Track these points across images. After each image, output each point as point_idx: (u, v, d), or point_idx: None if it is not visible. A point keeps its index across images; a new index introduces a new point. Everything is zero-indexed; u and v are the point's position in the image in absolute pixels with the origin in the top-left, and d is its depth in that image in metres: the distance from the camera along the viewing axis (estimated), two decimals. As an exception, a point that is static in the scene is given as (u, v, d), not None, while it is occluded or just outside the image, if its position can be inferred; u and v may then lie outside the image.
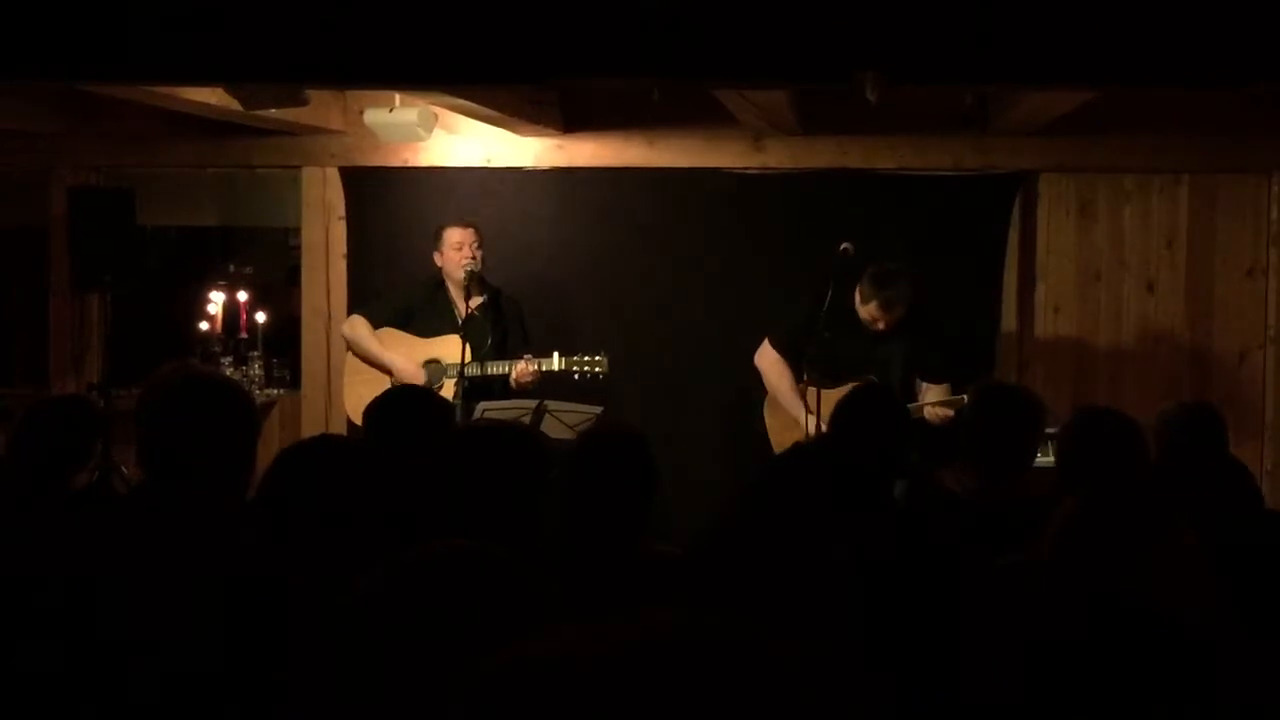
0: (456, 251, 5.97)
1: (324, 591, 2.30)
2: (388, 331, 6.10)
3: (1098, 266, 6.65)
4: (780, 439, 5.79)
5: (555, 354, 5.83)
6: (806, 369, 5.49)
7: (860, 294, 5.61)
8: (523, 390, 5.76)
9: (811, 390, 5.42)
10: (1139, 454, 3.39)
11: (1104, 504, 1.84)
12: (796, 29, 3.92)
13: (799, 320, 5.69)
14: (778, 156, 6.70)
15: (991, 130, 6.45)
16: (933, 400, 5.55)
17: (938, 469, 4.64)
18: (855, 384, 5.55)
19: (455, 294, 6.02)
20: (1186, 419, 4.12)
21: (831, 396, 5.47)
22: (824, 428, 5.19)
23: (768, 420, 5.90)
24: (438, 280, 6.07)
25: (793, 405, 5.71)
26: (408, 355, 6.03)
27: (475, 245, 5.98)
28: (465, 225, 6.03)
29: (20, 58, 4.21)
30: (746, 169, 6.73)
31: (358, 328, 6.16)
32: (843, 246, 5.70)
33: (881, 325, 5.62)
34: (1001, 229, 6.62)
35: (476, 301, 6.01)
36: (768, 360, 5.89)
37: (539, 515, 3.01)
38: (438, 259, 6.05)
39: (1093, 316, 6.66)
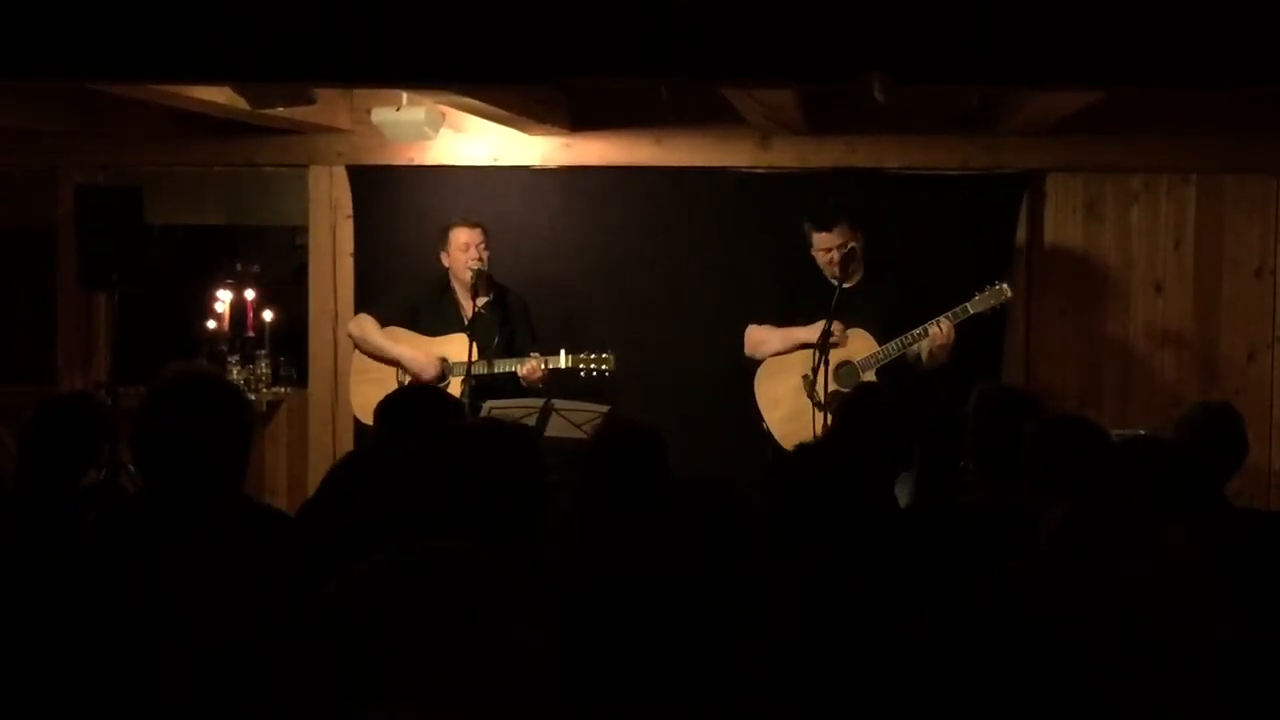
0: (463, 252, 5.97)
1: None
2: (395, 330, 6.11)
3: (1105, 266, 6.64)
4: (772, 414, 5.82)
5: (562, 352, 5.84)
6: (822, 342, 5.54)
7: (811, 244, 5.81)
8: (532, 388, 5.77)
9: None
10: (1106, 460, 3.39)
11: (1092, 512, 1.84)
12: (804, 29, 3.91)
13: (777, 307, 5.90)
14: (785, 156, 6.70)
15: (998, 130, 6.44)
16: (932, 324, 5.57)
17: (954, 473, 4.64)
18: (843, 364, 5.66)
19: (461, 294, 6.02)
20: (1201, 421, 4.09)
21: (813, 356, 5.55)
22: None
23: (758, 396, 5.92)
24: (444, 281, 6.07)
25: (791, 339, 5.80)
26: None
27: (482, 245, 5.98)
28: (472, 225, 6.03)
29: (27, 56, 4.22)
30: (754, 168, 6.73)
31: (364, 325, 6.16)
32: (850, 247, 5.71)
33: (836, 253, 5.72)
34: (1008, 229, 6.61)
35: (483, 300, 6.01)
36: (754, 330, 5.95)
37: (538, 514, 3.01)
38: (444, 259, 6.04)
39: (1100, 317, 6.65)
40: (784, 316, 5.88)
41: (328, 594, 1.42)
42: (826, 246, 5.75)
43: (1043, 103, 5.64)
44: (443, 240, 6.06)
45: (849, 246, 5.73)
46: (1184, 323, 6.61)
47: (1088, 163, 6.57)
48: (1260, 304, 6.57)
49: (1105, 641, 1.69)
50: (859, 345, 5.68)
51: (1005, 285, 5.65)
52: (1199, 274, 6.59)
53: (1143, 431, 5.32)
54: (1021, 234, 6.63)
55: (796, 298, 5.86)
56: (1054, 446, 3.33)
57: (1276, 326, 6.57)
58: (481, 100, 5.60)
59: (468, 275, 5.93)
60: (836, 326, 5.52)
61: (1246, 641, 2.08)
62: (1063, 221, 6.64)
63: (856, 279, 5.78)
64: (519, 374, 5.83)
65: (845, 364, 5.67)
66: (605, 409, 5.49)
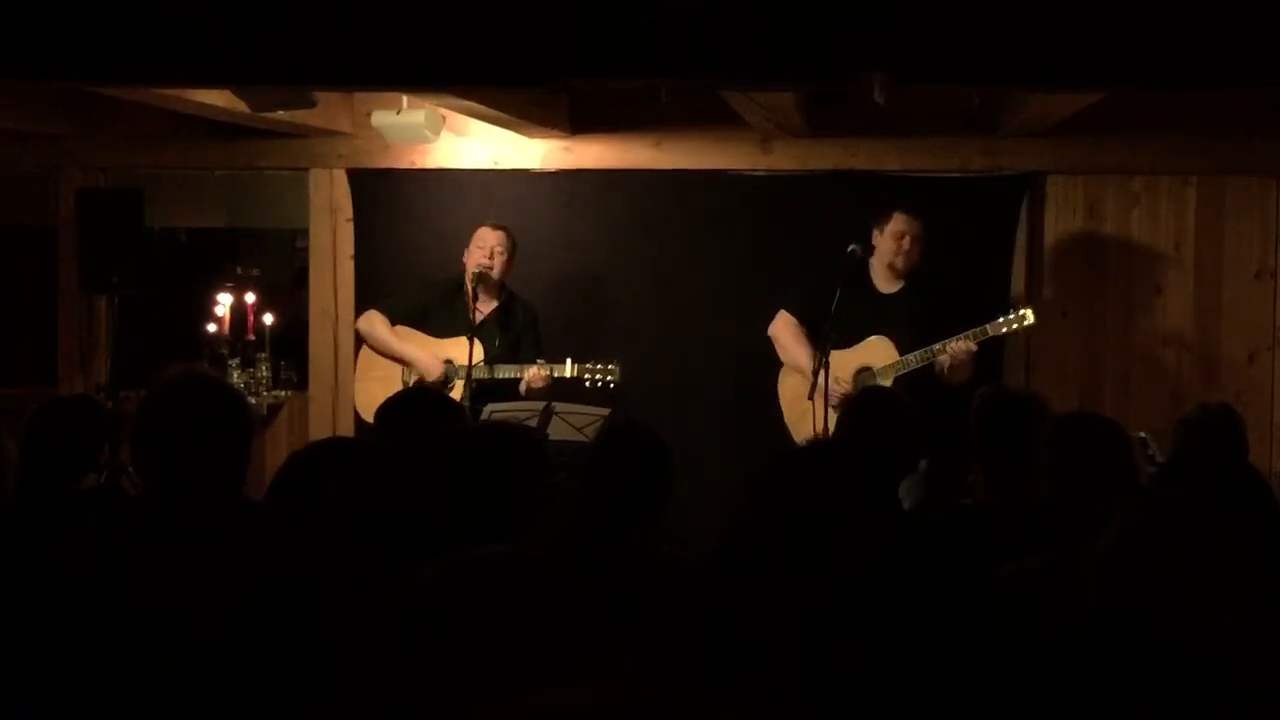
0: (478, 250, 5.98)
1: (338, 592, 2.30)
2: (403, 329, 6.12)
3: (1105, 269, 6.64)
4: (792, 411, 5.83)
5: (568, 361, 5.84)
6: (820, 344, 5.54)
7: (880, 226, 5.81)
8: (532, 394, 5.77)
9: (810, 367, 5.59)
10: (1130, 459, 3.38)
11: (1162, 511, 1.82)
12: (805, 30, 3.92)
13: (814, 292, 5.79)
14: (785, 158, 6.70)
15: (999, 132, 6.44)
16: (954, 341, 5.60)
17: (963, 472, 4.64)
18: (864, 369, 5.66)
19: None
20: (1203, 422, 4.10)
21: (844, 356, 5.58)
22: (834, 387, 5.43)
23: (781, 391, 5.94)
24: (458, 282, 6.06)
25: (806, 366, 5.78)
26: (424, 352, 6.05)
27: (500, 251, 5.98)
28: (496, 228, 6.03)
29: (29, 58, 4.22)
30: (754, 171, 6.73)
31: (374, 322, 6.17)
32: (850, 248, 5.71)
33: (909, 240, 5.72)
34: (1009, 231, 6.61)
35: (490, 305, 6.02)
36: (782, 324, 5.94)
37: (537, 516, 3.01)
38: (465, 255, 6.05)
39: (1100, 319, 6.65)
40: (814, 290, 5.85)
41: (395, 600, 1.42)
42: (903, 231, 5.78)
43: (1043, 104, 5.64)
44: (470, 238, 6.05)
45: (917, 250, 5.80)
46: (1184, 325, 6.61)
47: (1088, 165, 6.57)
48: (1260, 306, 6.57)
49: (1173, 641, 1.68)
50: (879, 353, 5.70)
51: (1029, 311, 5.69)
52: (1199, 276, 6.59)
53: (1143, 434, 5.32)
54: (1022, 236, 6.63)
55: (804, 299, 5.86)
56: (1071, 445, 3.29)
57: (1277, 329, 6.57)
58: (481, 103, 5.61)
59: (473, 274, 5.94)
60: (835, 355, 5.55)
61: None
62: (1063, 223, 6.64)
63: (898, 287, 5.82)
64: (522, 380, 5.83)
65: (864, 370, 5.70)
66: (605, 412, 5.49)
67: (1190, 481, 3.32)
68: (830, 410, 5.49)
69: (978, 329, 5.60)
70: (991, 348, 6.31)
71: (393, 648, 1.39)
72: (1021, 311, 5.69)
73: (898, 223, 5.79)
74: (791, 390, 5.91)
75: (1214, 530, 1.78)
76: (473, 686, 1.34)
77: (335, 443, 3.43)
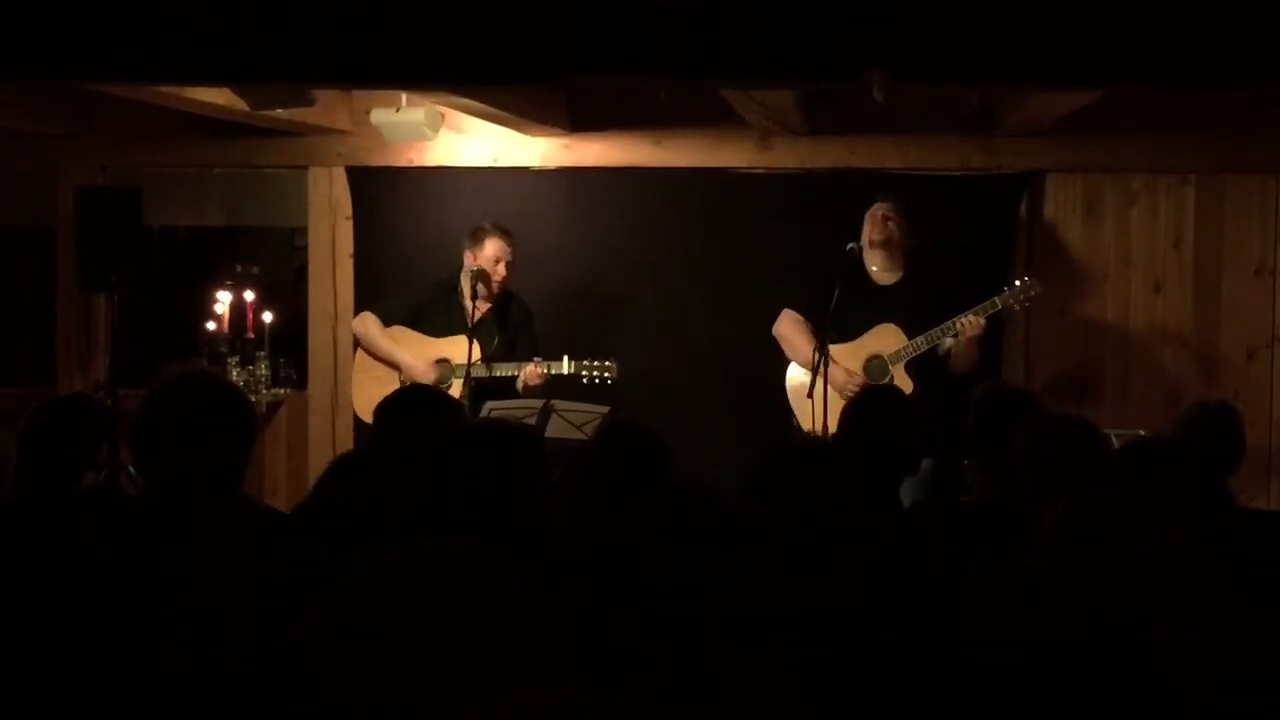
0: (487, 258, 5.97)
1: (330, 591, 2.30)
2: (399, 329, 6.11)
3: (1104, 267, 6.64)
4: (799, 404, 5.84)
5: (565, 358, 5.84)
6: (819, 343, 5.56)
7: (867, 218, 5.84)
8: (529, 393, 5.77)
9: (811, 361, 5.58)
10: (1100, 458, 3.40)
11: (1090, 509, 1.84)
12: (804, 28, 3.92)
13: (818, 290, 5.76)
14: (785, 156, 6.70)
15: (998, 130, 6.44)
16: (963, 317, 5.61)
17: (960, 469, 4.64)
18: (872, 356, 5.67)
19: (469, 297, 6.01)
20: (1200, 420, 4.11)
21: (852, 348, 5.59)
22: (846, 378, 5.54)
23: (789, 386, 5.95)
24: (454, 282, 6.05)
25: (799, 353, 5.83)
26: (418, 353, 6.04)
27: (510, 261, 6.01)
28: (505, 239, 6.01)
29: (27, 57, 4.22)
30: (753, 169, 6.73)
31: (369, 324, 6.17)
32: (849, 246, 5.71)
33: (893, 225, 5.80)
34: (1008, 229, 6.61)
35: (486, 304, 6.01)
36: (788, 322, 5.95)
37: (538, 514, 3.01)
38: (469, 257, 6.01)
39: (1099, 317, 6.65)
40: (811, 311, 5.86)
41: (333, 594, 1.42)
42: (876, 211, 5.84)
43: (1042, 102, 5.64)
44: (475, 241, 6.02)
45: (899, 228, 5.83)
46: (1183, 323, 6.61)
47: (1087, 163, 6.57)
48: (1259, 304, 6.57)
49: (1105, 638, 1.69)
50: (888, 340, 5.72)
51: (1035, 280, 5.74)
52: (1198, 274, 6.59)
53: (1142, 432, 5.32)
54: (1021, 234, 6.63)
55: (805, 297, 5.86)
56: (1047, 446, 3.33)
57: (1276, 326, 6.57)
58: (480, 101, 5.61)
59: (482, 277, 5.94)
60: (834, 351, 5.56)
61: (1250, 641, 2.08)
62: (1062, 221, 6.64)
63: (896, 277, 5.83)
64: (519, 378, 5.83)
65: (875, 358, 5.72)
66: (605, 409, 5.50)
67: (1142, 473, 3.34)
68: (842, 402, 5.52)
69: (987, 302, 5.62)
70: (992, 343, 6.33)
71: (327, 645, 1.39)
72: (1029, 280, 5.74)
73: (875, 208, 5.86)
74: (799, 385, 5.92)
75: (1148, 529, 1.79)
76: (406, 680, 1.34)
77: (374, 452, 3.43)
